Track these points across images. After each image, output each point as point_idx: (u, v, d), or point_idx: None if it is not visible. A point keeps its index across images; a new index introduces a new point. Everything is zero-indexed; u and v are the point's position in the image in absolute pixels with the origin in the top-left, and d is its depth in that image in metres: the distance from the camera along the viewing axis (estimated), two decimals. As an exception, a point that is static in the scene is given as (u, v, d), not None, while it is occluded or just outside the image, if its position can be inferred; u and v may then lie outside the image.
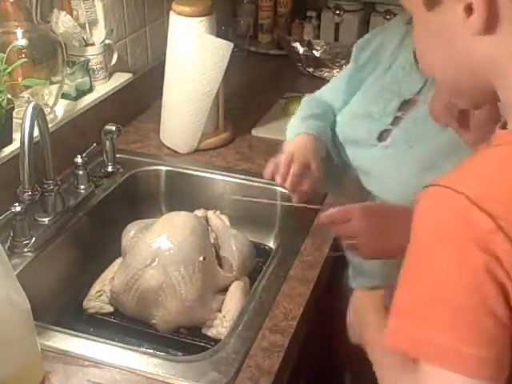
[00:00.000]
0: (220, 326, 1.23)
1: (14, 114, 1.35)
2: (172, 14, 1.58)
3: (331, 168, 1.38)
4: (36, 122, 1.22)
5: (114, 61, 1.71)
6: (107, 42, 1.67)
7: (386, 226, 1.06)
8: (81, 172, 1.43)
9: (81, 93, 1.60)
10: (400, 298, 0.65)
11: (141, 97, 1.82)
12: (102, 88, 1.67)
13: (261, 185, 1.53)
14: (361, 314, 0.93)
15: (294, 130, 1.37)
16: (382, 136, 1.26)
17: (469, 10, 0.63)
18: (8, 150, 1.34)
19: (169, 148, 1.68)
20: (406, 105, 1.25)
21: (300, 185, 1.26)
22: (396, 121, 1.25)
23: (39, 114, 1.22)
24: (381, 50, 1.34)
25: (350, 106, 1.37)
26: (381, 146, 1.25)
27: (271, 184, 1.52)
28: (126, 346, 1.12)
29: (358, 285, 1.29)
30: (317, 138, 1.34)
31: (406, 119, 1.24)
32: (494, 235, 0.58)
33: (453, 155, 1.06)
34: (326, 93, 1.47)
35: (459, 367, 0.60)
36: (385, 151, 1.25)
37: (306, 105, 1.46)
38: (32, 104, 1.21)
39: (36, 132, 1.24)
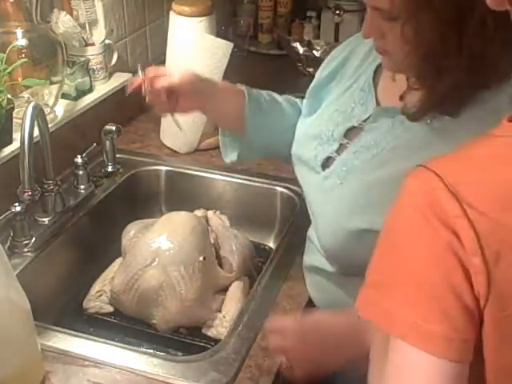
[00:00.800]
0: (220, 326, 1.23)
1: (14, 114, 1.35)
2: (172, 14, 1.58)
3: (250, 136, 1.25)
4: (36, 122, 1.22)
5: (113, 61, 1.71)
6: (107, 41, 1.67)
7: (319, 345, 0.99)
8: (81, 172, 1.43)
9: (81, 93, 1.60)
10: (373, 268, 0.66)
11: (141, 97, 1.82)
12: (102, 88, 1.67)
13: (261, 184, 1.53)
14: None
15: None
16: (326, 163, 1.10)
17: None
18: (8, 150, 1.34)
19: (169, 148, 1.68)
20: (351, 132, 1.09)
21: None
22: (341, 149, 1.09)
23: (39, 114, 1.22)
24: (346, 65, 1.18)
25: (307, 121, 1.21)
26: (322, 176, 1.10)
27: (271, 184, 1.53)
28: (125, 346, 1.12)
29: None
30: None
31: (349, 149, 1.08)
32: (459, 220, 0.59)
33: (384, 200, 0.96)
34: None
35: (423, 343, 0.60)
36: (323, 183, 1.09)
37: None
38: (32, 104, 1.21)
39: (36, 132, 1.24)
